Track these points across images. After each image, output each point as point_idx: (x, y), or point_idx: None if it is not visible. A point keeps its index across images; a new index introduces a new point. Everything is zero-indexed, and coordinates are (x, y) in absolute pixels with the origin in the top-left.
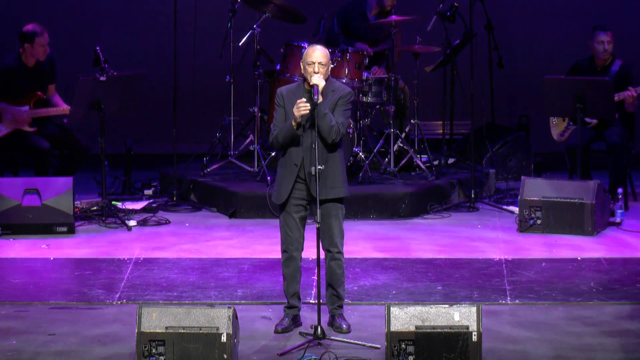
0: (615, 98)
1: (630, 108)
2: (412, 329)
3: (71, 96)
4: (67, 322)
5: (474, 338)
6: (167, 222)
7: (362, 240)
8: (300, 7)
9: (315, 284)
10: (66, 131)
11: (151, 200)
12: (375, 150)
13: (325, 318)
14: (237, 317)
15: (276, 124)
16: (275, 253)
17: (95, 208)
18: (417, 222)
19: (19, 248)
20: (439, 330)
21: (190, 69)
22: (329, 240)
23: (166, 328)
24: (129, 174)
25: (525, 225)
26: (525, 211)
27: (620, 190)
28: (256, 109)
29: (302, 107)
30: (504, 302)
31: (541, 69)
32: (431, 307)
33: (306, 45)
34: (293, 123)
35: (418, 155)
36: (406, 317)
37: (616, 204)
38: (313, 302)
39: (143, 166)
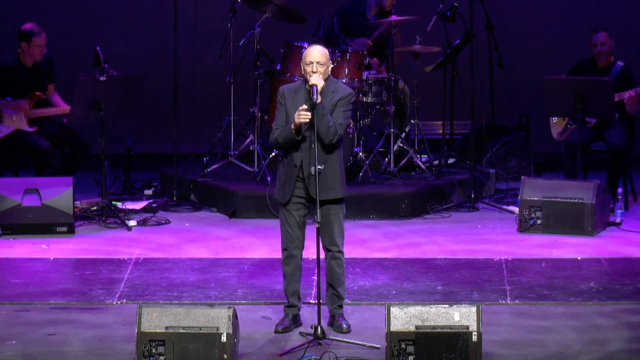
0: (616, 98)
1: (632, 110)
2: (412, 329)
3: (71, 96)
4: (67, 322)
5: (474, 338)
6: (167, 222)
7: (362, 240)
8: (300, 7)
9: (315, 283)
10: (66, 130)
11: (151, 200)
12: (375, 150)
13: (325, 318)
14: (237, 317)
15: (277, 123)
16: (275, 253)
17: (95, 208)
18: (417, 222)
19: (19, 248)
20: (439, 330)
21: (190, 69)
22: (329, 239)
23: (166, 328)
24: (129, 174)
25: (525, 225)
26: (525, 211)
27: (620, 190)
28: (256, 109)
29: (303, 116)
30: (504, 302)
31: (541, 69)
32: (431, 307)
33: (306, 45)
34: (292, 128)
35: (418, 155)
36: (406, 317)
37: (616, 204)
38: (313, 302)
39: (143, 166)
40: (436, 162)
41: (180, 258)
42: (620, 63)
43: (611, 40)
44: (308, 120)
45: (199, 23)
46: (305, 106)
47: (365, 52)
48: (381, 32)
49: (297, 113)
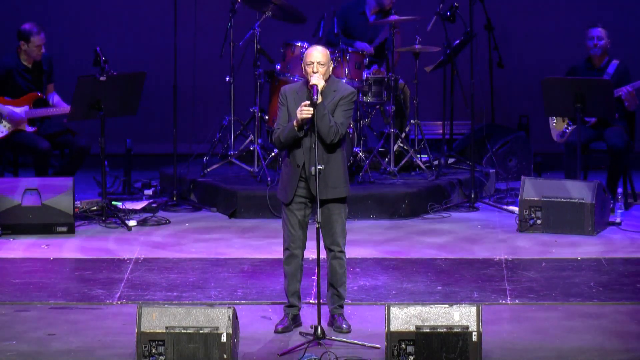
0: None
1: (631, 107)
2: (412, 329)
3: (71, 96)
4: (67, 322)
5: (474, 338)
6: (167, 222)
7: (362, 240)
8: (300, 7)
9: (315, 283)
10: (66, 131)
11: (151, 200)
12: (375, 151)
13: (325, 318)
14: (237, 317)
15: (279, 123)
16: (275, 253)
17: (95, 208)
18: (417, 222)
19: (19, 248)
20: (439, 330)
21: (190, 68)
22: (331, 239)
23: (166, 328)
24: (129, 174)
25: (525, 225)
26: (525, 211)
27: (620, 190)
28: (256, 109)
29: (305, 111)
30: (504, 302)
31: (541, 69)
32: (431, 307)
33: (306, 45)
34: (294, 124)
35: (418, 155)
36: (406, 317)
37: (616, 204)
38: (313, 302)
39: (143, 166)
40: (436, 162)
41: (180, 258)
42: (615, 61)
43: (608, 39)
44: (310, 115)
45: (198, 23)
46: (307, 101)
47: (365, 53)
48: (386, 37)
49: (299, 109)
